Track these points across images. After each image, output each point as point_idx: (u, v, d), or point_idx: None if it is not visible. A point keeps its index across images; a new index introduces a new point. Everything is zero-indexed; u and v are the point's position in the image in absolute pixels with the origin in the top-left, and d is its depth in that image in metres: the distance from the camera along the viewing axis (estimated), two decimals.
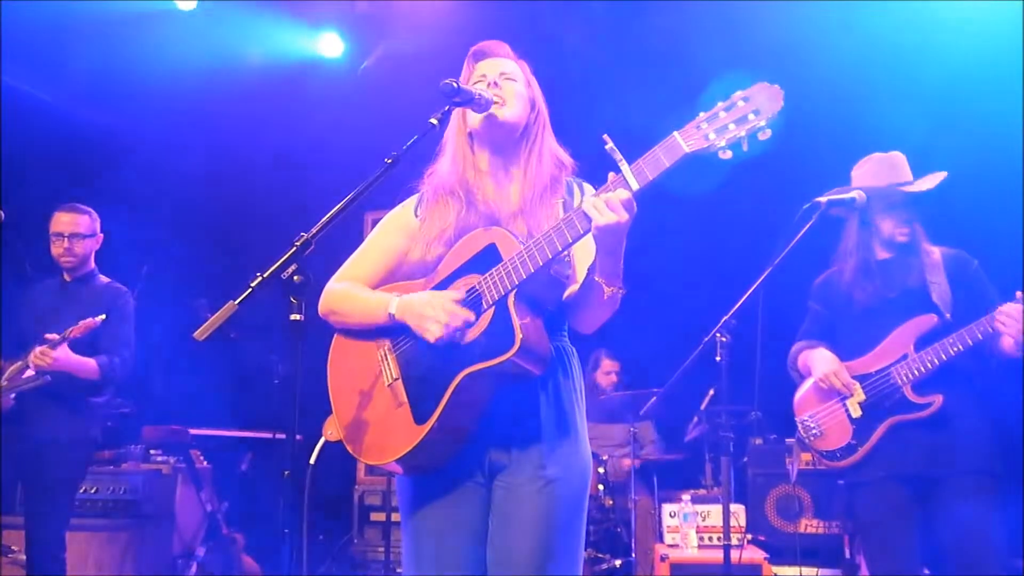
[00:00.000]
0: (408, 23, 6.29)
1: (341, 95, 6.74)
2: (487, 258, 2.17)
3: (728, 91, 1.98)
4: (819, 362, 3.41)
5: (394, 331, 2.27)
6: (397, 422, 2.20)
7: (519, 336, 2.05)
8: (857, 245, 3.46)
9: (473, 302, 2.15)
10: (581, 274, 2.25)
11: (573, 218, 2.07)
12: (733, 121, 1.95)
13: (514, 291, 2.10)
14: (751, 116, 1.95)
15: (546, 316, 2.21)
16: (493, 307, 2.12)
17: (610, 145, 2.05)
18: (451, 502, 2.25)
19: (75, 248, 4.35)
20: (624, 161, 2.04)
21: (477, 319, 2.14)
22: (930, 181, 3.33)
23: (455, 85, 2.21)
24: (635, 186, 2.01)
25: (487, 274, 2.14)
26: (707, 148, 1.96)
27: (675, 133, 1.99)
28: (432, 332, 2.12)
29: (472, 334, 2.14)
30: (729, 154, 1.96)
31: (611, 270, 2.13)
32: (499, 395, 2.19)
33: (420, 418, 2.16)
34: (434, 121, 2.21)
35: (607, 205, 2.00)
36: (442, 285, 2.24)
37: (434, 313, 2.13)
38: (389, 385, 2.25)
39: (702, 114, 1.98)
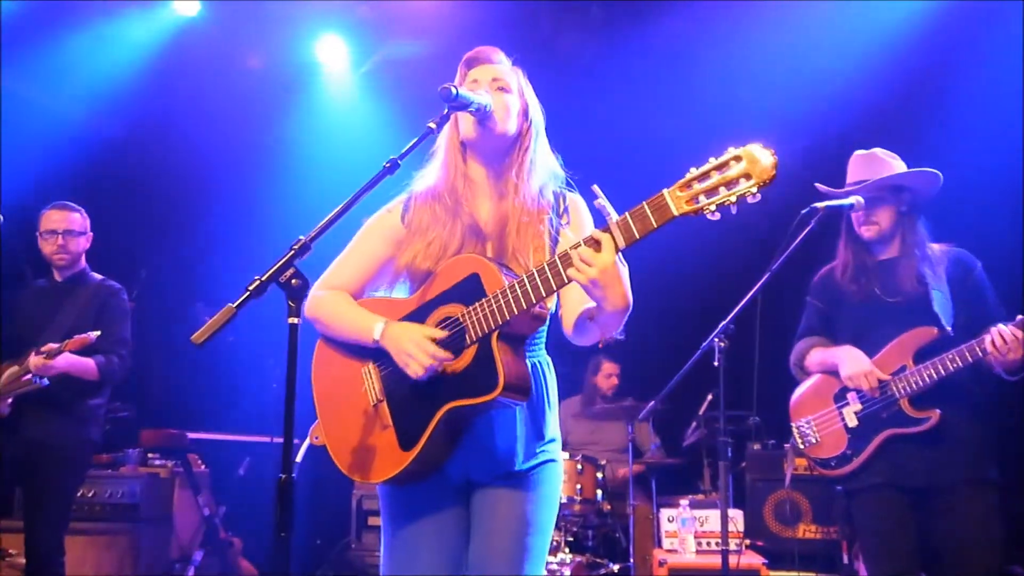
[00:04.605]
0: (407, 26, 6.31)
1: (341, 99, 6.75)
2: (470, 288, 2.16)
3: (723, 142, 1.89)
4: (849, 361, 3.31)
5: (379, 352, 2.26)
6: (382, 444, 2.22)
7: (503, 378, 2.06)
8: (847, 243, 3.47)
9: (456, 335, 2.15)
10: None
11: (559, 265, 2.03)
12: (724, 185, 1.85)
13: (497, 330, 2.09)
14: (742, 181, 1.84)
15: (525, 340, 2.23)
16: (477, 344, 2.12)
17: (600, 200, 2.00)
18: (429, 508, 2.29)
19: (69, 245, 4.31)
20: (613, 214, 1.97)
21: (460, 353, 2.14)
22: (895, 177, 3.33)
23: (454, 90, 2.18)
24: (621, 244, 1.96)
25: (471, 308, 2.12)
26: (696, 212, 1.88)
27: (664, 192, 1.90)
28: (412, 370, 2.14)
29: (455, 367, 2.15)
30: (718, 216, 1.87)
31: (604, 319, 2.13)
32: (482, 419, 2.23)
33: (406, 444, 2.18)
34: (432, 125, 2.19)
35: (583, 261, 1.96)
36: (425, 308, 2.24)
37: (415, 352, 2.13)
38: (374, 405, 2.26)
39: (693, 171, 1.89)
